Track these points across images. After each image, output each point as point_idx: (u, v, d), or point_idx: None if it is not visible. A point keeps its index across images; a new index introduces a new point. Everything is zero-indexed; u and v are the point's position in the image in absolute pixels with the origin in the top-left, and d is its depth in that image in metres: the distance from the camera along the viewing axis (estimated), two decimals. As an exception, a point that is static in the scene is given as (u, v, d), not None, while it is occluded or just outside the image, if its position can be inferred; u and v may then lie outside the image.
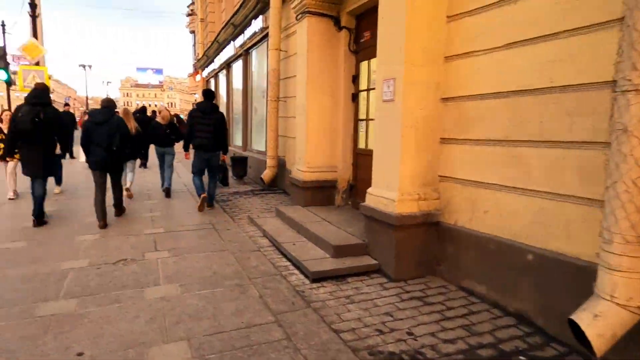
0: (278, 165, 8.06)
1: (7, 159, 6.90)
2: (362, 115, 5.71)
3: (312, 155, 5.99)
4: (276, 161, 8.02)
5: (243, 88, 10.95)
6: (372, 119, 5.38)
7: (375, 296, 3.53)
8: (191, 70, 28.94)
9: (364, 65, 5.65)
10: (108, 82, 76.28)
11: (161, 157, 7.93)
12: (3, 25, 13.81)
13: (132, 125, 6.65)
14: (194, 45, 24.73)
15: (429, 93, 3.83)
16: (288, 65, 7.70)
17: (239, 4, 11.62)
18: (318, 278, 3.83)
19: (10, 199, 7.10)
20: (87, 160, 5.62)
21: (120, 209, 6.13)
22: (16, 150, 5.54)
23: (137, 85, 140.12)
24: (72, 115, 14.13)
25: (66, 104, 13.85)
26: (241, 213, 6.46)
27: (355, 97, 5.85)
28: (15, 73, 15.35)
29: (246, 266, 4.15)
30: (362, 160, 5.72)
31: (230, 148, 10.50)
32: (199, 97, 24.67)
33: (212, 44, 14.46)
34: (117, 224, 5.73)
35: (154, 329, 2.90)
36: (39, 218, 5.54)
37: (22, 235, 5.09)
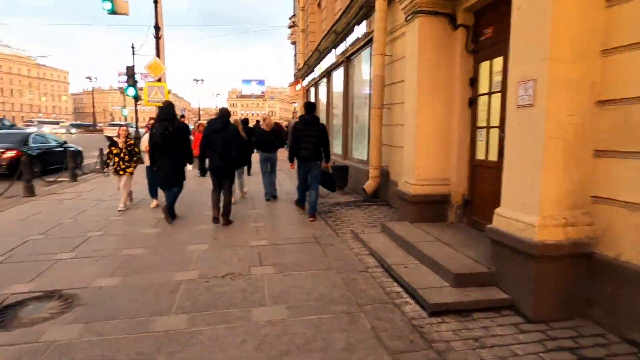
0: (381, 176, 7.66)
1: (121, 172, 7.21)
2: (481, 123, 5.06)
3: (423, 167, 5.48)
4: (379, 171, 7.64)
5: (344, 96, 10.78)
6: (494, 127, 4.72)
7: (512, 341, 2.94)
8: (291, 79, 29.99)
9: (484, 66, 5.01)
10: (217, 94, 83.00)
11: (265, 163, 8.24)
12: (133, 47, 15.57)
13: (242, 134, 6.99)
14: (295, 55, 25.51)
15: (581, 95, 3.13)
16: (393, 71, 7.29)
17: (340, 12, 11.53)
18: (437, 311, 3.34)
19: (120, 210, 7.20)
20: (201, 169, 6.64)
21: (227, 217, 6.26)
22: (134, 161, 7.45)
23: (242, 96, 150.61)
24: (187, 126, 15.32)
25: (182, 116, 15.12)
26: (344, 226, 6.19)
27: (472, 102, 5.22)
28: (142, 89, 17.23)
29: (354, 289, 3.82)
30: (480, 172, 5.06)
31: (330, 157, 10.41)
32: (298, 105, 25.37)
33: (312, 53, 14.63)
34: (224, 233, 5.84)
35: (261, 359, 2.70)
36: (171, 213, 6.43)
37: (140, 242, 5.41)
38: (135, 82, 15.22)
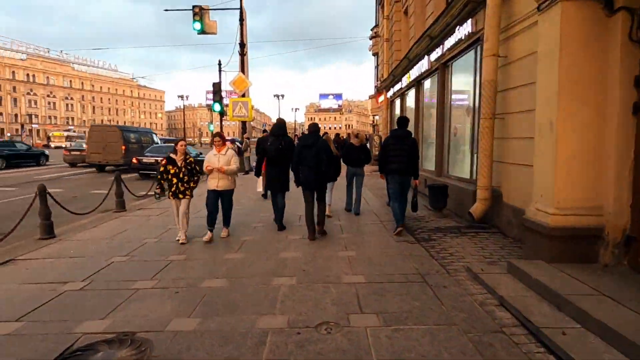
0: (491, 198, 6.47)
1: (180, 196, 6.10)
2: (654, 134, 3.78)
3: (564, 192, 4.28)
4: (489, 192, 6.45)
5: (438, 106, 9.69)
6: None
7: None
8: (371, 92, 29.24)
9: (658, 59, 3.75)
10: (296, 109, 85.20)
11: (352, 178, 8.29)
12: (219, 64, 15.90)
13: (332, 148, 6.90)
14: (377, 67, 24.74)
15: None
16: (509, 74, 6.13)
17: (433, 15, 10.52)
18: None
19: (182, 243, 6.06)
20: (296, 181, 6.39)
21: (322, 226, 6.44)
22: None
23: (320, 110, 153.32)
24: (293, 141, 15.20)
25: (264, 131, 15.05)
26: (454, 260, 5.13)
27: (639, 108, 3.95)
28: (226, 105, 17.59)
29: (494, 363, 2.81)
30: (654, 201, 3.76)
31: (420, 173, 9.39)
32: (380, 118, 24.47)
33: (400, 62, 13.71)
34: (313, 263, 5.10)
35: None
36: (281, 224, 6.95)
37: (222, 271, 4.86)
38: (222, 98, 15.50)
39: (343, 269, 4.88)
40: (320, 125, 7.04)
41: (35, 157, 23.15)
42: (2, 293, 4.24)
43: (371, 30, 25.30)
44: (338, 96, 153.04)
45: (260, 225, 7.32)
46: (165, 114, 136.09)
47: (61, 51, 79.20)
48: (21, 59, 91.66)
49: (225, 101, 19.78)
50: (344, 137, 22.95)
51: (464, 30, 7.68)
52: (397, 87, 14.97)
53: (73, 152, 22.12)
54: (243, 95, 17.26)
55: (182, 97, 69.68)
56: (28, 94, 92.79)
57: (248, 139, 17.35)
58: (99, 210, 8.29)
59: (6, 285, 4.44)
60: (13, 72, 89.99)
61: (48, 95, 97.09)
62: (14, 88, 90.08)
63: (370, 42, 25.47)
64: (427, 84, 11.38)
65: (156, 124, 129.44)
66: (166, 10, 18.71)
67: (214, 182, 6.22)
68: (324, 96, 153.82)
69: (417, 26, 13.03)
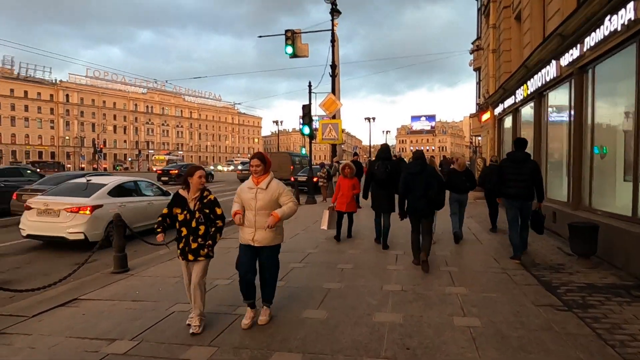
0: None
1: (190, 256, 3.92)
2: None
3: None
4: (676, 240, 4.48)
5: (575, 121, 7.68)
6: None
7: None
8: (472, 111, 26.85)
9: None
10: (387, 131, 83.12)
11: (455, 204, 7.95)
12: (310, 85, 15.36)
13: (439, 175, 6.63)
14: (478, 83, 22.54)
15: None
16: None
17: (560, 12, 8.62)
18: None
19: (193, 333, 3.79)
20: (401, 212, 6.16)
21: (427, 254, 5.94)
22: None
23: (411, 132, 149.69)
24: (360, 165, 14.13)
25: (355, 154, 14.04)
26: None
27: None
28: (316, 129, 16.97)
29: None
30: None
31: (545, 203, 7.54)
32: (485, 139, 22.07)
33: (513, 74, 11.77)
34: (416, 303, 3.71)
35: None
36: (385, 243, 7.30)
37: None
38: (311, 120, 14.87)
39: (465, 352, 3.39)
40: (413, 149, 6.62)
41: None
42: (39, 354, 3.53)
43: (472, 43, 23.25)
44: (431, 118, 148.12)
45: (337, 287, 5.17)
46: (261, 139, 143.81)
47: (166, 81, 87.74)
48: (142, 93, 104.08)
49: (316, 125, 19.30)
50: (440, 161, 21.16)
51: (618, 19, 5.81)
52: (508, 102, 12.92)
53: (244, 171, 31.61)
54: (334, 117, 16.51)
55: (276, 122, 72.48)
56: (146, 123, 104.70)
57: (338, 162, 16.43)
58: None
59: (49, 339, 3.77)
60: (135, 104, 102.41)
61: (162, 124, 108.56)
62: (136, 118, 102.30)
63: (471, 57, 23.39)
64: (554, 95, 9.34)
65: (253, 148, 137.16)
66: (260, 36, 19.25)
67: (249, 233, 3.91)
68: (415, 118, 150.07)
69: (535, 29, 11.06)
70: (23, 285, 5.48)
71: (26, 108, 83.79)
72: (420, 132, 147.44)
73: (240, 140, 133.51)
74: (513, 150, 6.45)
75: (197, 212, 3.92)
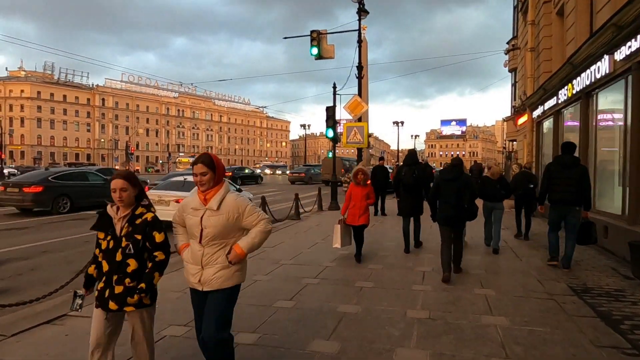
0: None
1: (112, 304, 2.57)
2: None
3: None
4: None
5: (634, 122, 6.73)
6: None
7: None
8: (506, 114, 25.53)
9: None
10: (416, 136, 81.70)
11: (489, 213, 7.65)
12: (334, 87, 14.73)
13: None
14: (514, 84, 21.32)
15: None
16: None
17: (608, 3, 7.67)
18: None
19: None
20: (433, 216, 6.00)
21: (458, 265, 5.90)
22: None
23: (441, 137, 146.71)
24: (387, 170, 13.40)
25: (380, 158, 13.32)
26: None
27: None
28: (341, 133, 16.34)
29: None
30: None
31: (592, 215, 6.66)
32: (522, 143, 20.84)
33: (556, 72, 10.78)
34: (446, 337, 3.02)
35: None
36: (417, 240, 7.61)
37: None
38: (335, 123, 14.23)
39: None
40: (442, 154, 6.18)
41: (255, 178, 35.55)
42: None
43: (507, 43, 22.03)
44: (461, 122, 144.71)
45: (353, 311, 4.40)
46: (289, 143, 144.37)
47: (191, 84, 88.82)
48: (174, 97, 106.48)
49: (341, 128, 18.66)
50: (471, 166, 19.90)
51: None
52: (549, 103, 11.89)
53: (294, 174, 35.91)
54: (360, 120, 15.83)
55: (304, 126, 72.30)
56: (178, 126, 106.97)
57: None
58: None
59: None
60: (167, 108, 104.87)
61: (193, 128, 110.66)
62: (167, 122, 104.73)
63: (506, 58, 22.16)
64: (606, 94, 8.36)
65: (280, 151, 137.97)
66: (285, 37, 18.53)
67: (194, 274, 2.73)
68: (445, 122, 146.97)
69: (581, 24, 10.07)
70: (20, 295, 5.12)
71: (65, 111, 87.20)
72: (451, 136, 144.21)
73: (269, 143, 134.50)
74: (560, 154, 6.29)
75: (123, 238, 2.60)
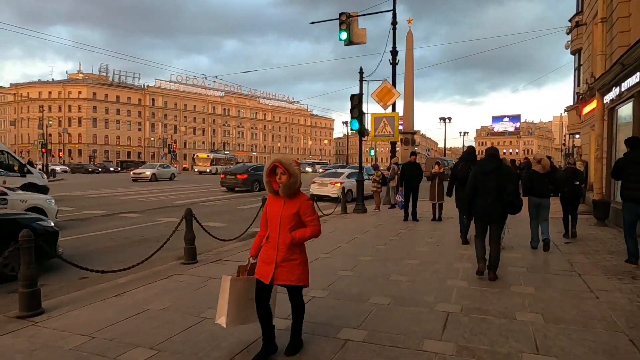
0: None
1: None
2: None
3: None
4: None
5: None
6: None
7: None
8: (564, 108, 22.44)
9: None
10: (465, 133, 76.96)
11: (535, 209, 7.16)
12: (361, 72, 12.90)
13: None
14: (577, 68, 18.44)
15: None
16: None
17: None
18: None
19: None
20: (467, 213, 5.70)
21: (495, 270, 5.24)
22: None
23: (492, 134, 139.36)
24: (419, 167, 11.43)
25: (412, 154, 11.34)
26: None
27: None
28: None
29: None
30: None
31: None
32: (581, 137, 17.97)
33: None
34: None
35: None
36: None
37: None
38: (362, 113, 12.45)
39: None
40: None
41: None
42: None
43: (569, 20, 19.10)
44: (515, 118, 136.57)
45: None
46: (333, 141, 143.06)
47: (216, 76, 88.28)
48: (220, 96, 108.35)
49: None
50: (521, 163, 17.53)
51: None
52: (628, 82, 9.41)
53: (227, 176, 32.71)
54: (394, 109, 13.94)
55: (346, 123, 70.49)
56: (223, 125, 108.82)
57: (397, 164, 13.82)
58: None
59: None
60: (214, 107, 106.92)
61: (238, 126, 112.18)
62: (214, 121, 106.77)
63: (568, 37, 19.24)
64: None
65: (324, 149, 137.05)
66: (312, 22, 16.90)
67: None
68: (497, 119, 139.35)
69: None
70: None
71: (118, 111, 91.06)
72: (503, 133, 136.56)
73: (312, 141, 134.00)
74: (629, 150, 6.10)
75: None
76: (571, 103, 20.23)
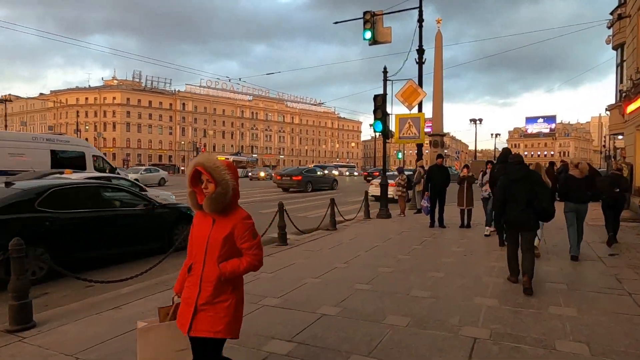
0: None
1: None
2: None
3: None
4: None
5: None
6: None
7: None
8: (604, 108, 21.07)
9: None
10: (496, 135, 74.45)
11: (572, 214, 6.68)
12: (385, 71, 12.38)
13: (545, 180, 5.89)
14: (620, 64, 17.25)
15: None
16: None
17: None
18: None
19: None
20: (498, 220, 5.66)
21: (530, 280, 4.84)
22: None
23: (526, 136, 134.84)
24: (447, 170, 10.80)
25: (439, 156, 10.71)
26: None
27: None
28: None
29: None
30: None
31: None
32: (625, 138, 16.75)
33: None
34: None
35: None
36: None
37: None
38: (386, 114, 11.93)
39: None
40: (527, 154, 4.69)
41: (329, 182, 29.61)
42: None
43: (610, 14, 17.91)
44: (550, 119, 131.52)
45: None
46: (361, 143, 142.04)
47: (240, 79, 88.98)
48: (248, 100, 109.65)
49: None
50: (560, 167, 16.34)
51: None
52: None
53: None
54: (420, 110, 13.35)
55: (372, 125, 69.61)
56: (251, 129, 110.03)
57: (422, 167, 13.21)
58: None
59: None
60: (242, 111, 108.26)
61: (266, 129, 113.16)
62: (242, 124, 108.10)
63: (609, 32, 18.04)
64: None
65: (351, 152, 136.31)
66: (336, 22, 16.52)
67: None
68: (531, 120, 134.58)
69: None
70: None
71: (150, 116, 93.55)
72: (537, 135, 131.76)
73: (339, 144, 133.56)
74: None
75: None
76: (613, 102, 18.94)
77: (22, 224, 5.46)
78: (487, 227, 8.75)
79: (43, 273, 5.56)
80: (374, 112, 11.89)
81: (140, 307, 4.42)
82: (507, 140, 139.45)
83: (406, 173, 14.01)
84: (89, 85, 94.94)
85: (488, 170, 8.97)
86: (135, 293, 4.87)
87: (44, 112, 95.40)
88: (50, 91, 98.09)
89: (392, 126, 12.59)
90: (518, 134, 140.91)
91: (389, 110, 12.05)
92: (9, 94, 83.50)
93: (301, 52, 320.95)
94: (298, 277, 5.52)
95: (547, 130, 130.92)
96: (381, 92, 12.06)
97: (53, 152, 14.13)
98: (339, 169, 65.26)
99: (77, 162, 14.68)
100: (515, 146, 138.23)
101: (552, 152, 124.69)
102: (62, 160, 14.22)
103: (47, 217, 5.69)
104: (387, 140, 12.47)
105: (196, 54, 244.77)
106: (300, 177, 23.88)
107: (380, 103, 11.86)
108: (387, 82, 12.30)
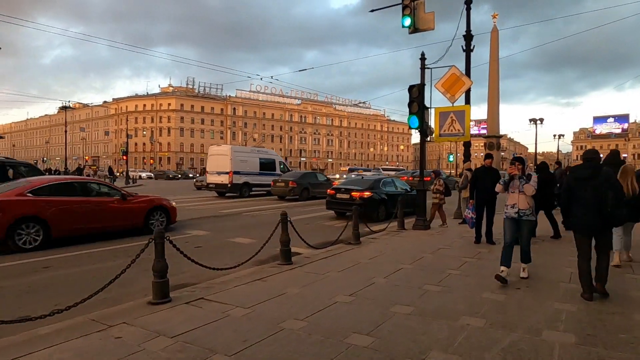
0: None
1: None
2: None
3: None
4: None
5: None
6: None
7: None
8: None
9: None
10: (560, 136, 68.21)
11: None
12: (423, 57, 10.60)
13: (632, 185, 5.57)
14: None
15: None
16: None
17: None
18: None
19: None
20: (566, 223, 5.62)
21: (603, 285, 4.64)
22: None
23: (594, 136, 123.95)
24: (496, 172, 8.81)
25: (487, 156, 8.80)
26: None
27: None
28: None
29: None
30: None
31: None
32: None
33: None
34: None
35: None
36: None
37: None
38: (424, 108, 10.18)
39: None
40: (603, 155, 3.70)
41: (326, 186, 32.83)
42: None
43: None
44: (622, 119, 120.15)
45: None
46: (411, 146, 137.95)
47: (272, 77, 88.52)
48: (297, 104, 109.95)
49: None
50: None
51: None
52: None
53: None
54: (468, 102, 11.42)
55: (422, 127, 66.52)
56: (300, 132, 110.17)
57: (470, 170, 11.27)
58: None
59: None
60: (291, 115, 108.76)
61: (314, 133, 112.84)
62: (291, 128, 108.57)
63: None
64: None
65: (401, 155, 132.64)
66: (372, 10, 14.91)
67: None
68: (600, 120, 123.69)
69: None
70: None
71: (202, 121, 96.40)
72: (607, 136, 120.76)
73: (388, 147, 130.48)
74: None
75: None
76: None
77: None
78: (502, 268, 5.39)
79: None
80: (409, 105, 10.15)
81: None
82: (572, 142, 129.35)
83: (442, 177, 12.18)
84: (147, 93, 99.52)
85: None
86: (57, 334, 3.63)
87: (107, 118, 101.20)
88: (113, 99, 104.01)
89: (432, 122, 10.77)
90: (585, 135, 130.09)
91: (427, 103, 10.27)
92: (77, 102, 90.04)
93: (353, 57, 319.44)
94: (276, 318, 4.05)
95: (619, 131, 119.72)
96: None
97: (260, 159, 22.18)
98: (387, 172, 62.99)
99: (271, 166, 22.76)
100: (581, 148, 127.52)
101: (625, 155, 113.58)
102: (263, 165, 22.18)
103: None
104: (425, 139, 10.65)
105: (251, 62, 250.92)
106: (295, 184, 20.19)
107: (416, 95, 10.10)
108: (425, 69, 10.50)
